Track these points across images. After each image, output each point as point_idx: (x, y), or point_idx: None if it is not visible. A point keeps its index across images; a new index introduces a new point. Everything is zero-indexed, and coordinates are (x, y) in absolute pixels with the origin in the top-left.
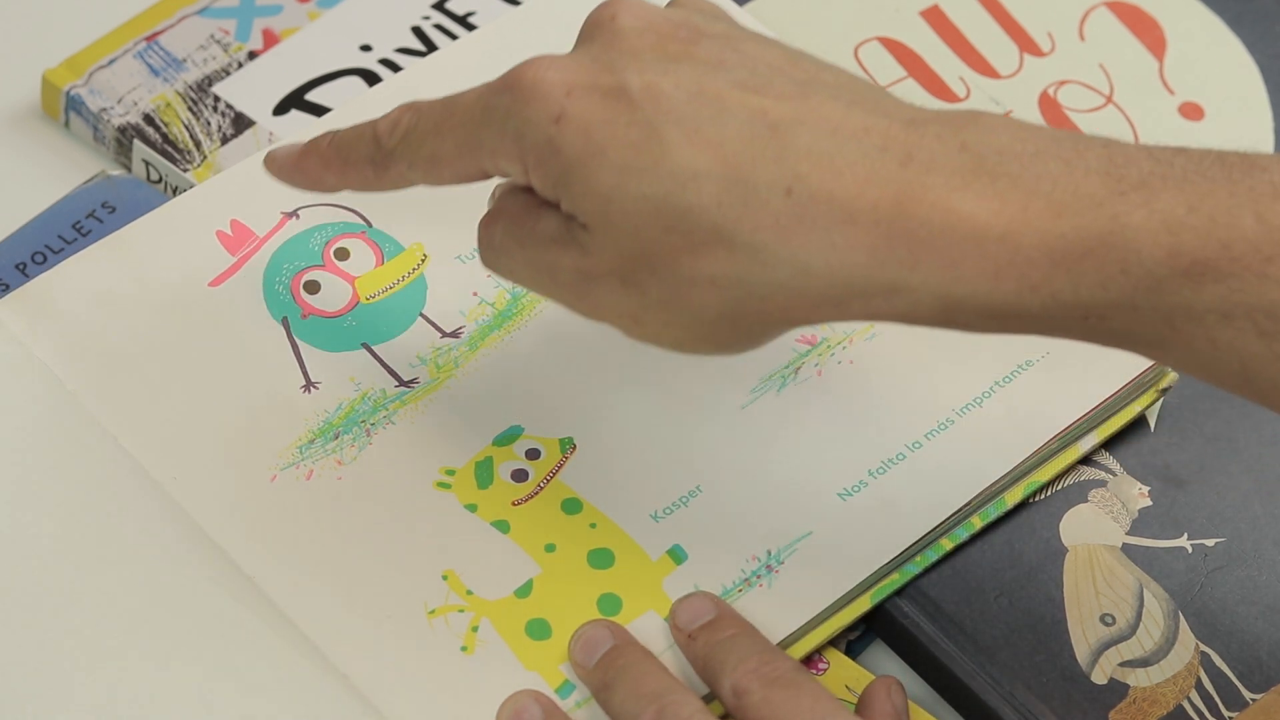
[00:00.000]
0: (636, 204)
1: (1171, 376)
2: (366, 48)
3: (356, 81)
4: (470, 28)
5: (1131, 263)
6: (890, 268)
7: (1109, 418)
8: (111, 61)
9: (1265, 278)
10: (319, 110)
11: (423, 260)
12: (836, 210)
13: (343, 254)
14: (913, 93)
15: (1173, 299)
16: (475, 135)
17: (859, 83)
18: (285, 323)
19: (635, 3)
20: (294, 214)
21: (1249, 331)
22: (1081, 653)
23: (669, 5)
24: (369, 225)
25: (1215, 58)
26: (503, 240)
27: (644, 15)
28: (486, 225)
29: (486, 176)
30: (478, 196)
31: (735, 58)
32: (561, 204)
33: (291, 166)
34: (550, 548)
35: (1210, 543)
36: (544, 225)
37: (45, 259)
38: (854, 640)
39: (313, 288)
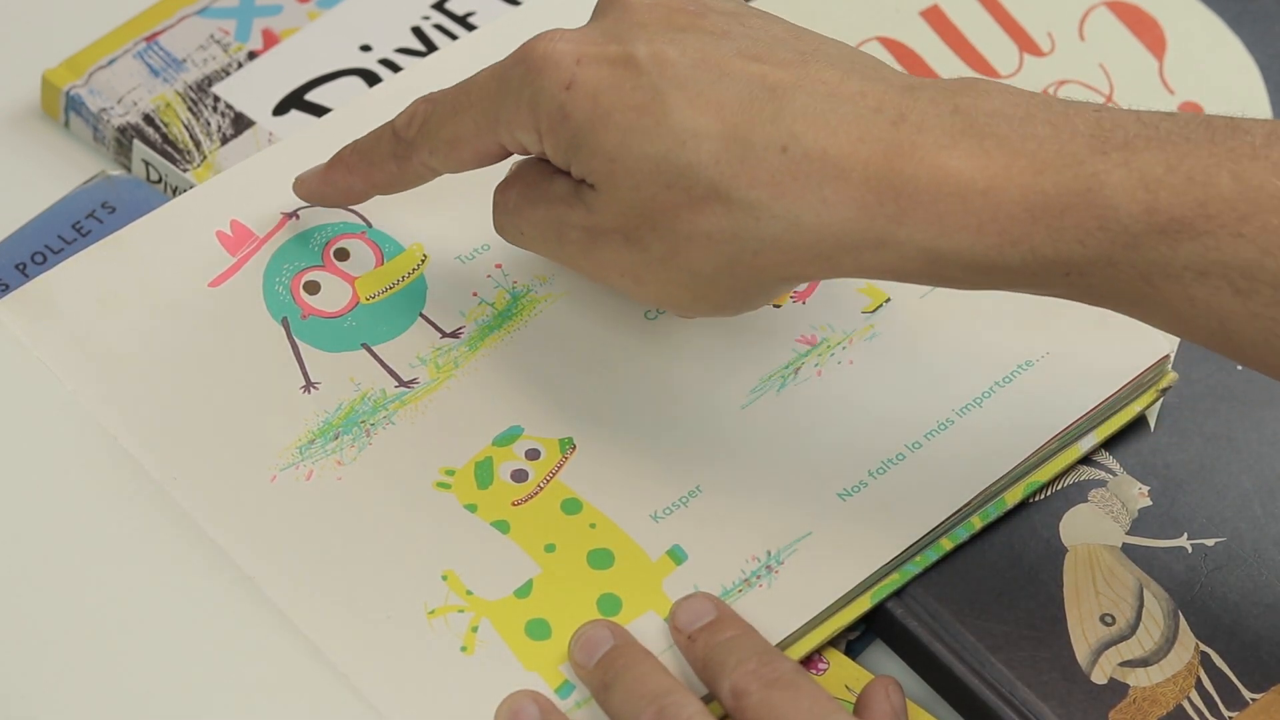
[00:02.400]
0: (639, 162)
1: (1171, 376)
2: (366, 48)
3: (356, 81)
4: (470, 28)
5: (1109, 219)
6: (878, 222)
7: (1109, 418)
8: (111, 61)
9: (1240, 236)
10: (319, 110)
11: (423, 260)
12: (829, 166)
13: (342, 254)
14: None
15: (1150, 256)
16: (492, 109)
17: (859, 54)
18: (285, 323)
19: None
20: (294, 214)
21: (1225, 290)
22: (1081, 653)
23: None
24: (369, 226)
25: (1215, 58)
26: (516, 202)
27: None
28: (502, 190)
29: (504, 155)
30: (477, 197)
31: (740, 30)
32: (572, 168)
33: (319, 181)
34: (550, 548)
35: (1210, 543)
36: (555, 188)
37: (45, 259)
38: (854, 640)
39: (313, 288)
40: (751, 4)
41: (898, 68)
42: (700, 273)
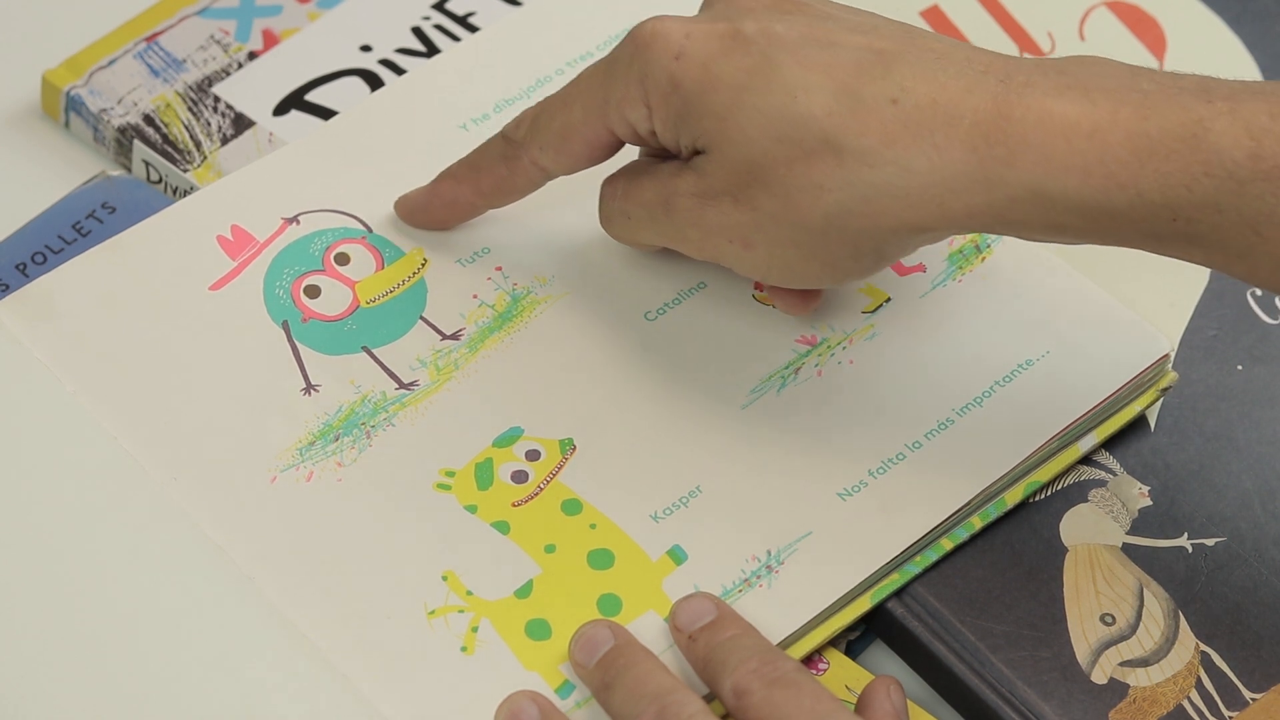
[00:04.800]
0: (750, 117)
1: (1171, 376)
2: (366, 48)
3: (356, 82)
4: (470, 28)
5: (1214, 164)
6: (988, 164)
7: (1109, 418)
8: (111, 62)
9: None
10: (319, 110)
11: (423, 265)
12: (939, 114)
13: (343, 259)
14: None
15: (1256, 204)
16: (601, 91)
17: (960, 40)
18: (285, 326)
19: None
20: (294, 219)
21: None
22: (1081, 652)
23: None
24: (369, 230)
25: (1215, 57)
26: (624, 187)
27: None
28: (609, 181)
29: (615, 145)
30: None
31: (843, 13)
32: (681, 137)
33: (426, 196)
34: (550, 548)
35: (1210, 543)
36: (664, 166)
37: (45, 259)
38: (854, 640)
39: (313, 292)
40: None
41: None
42: (812, 226)
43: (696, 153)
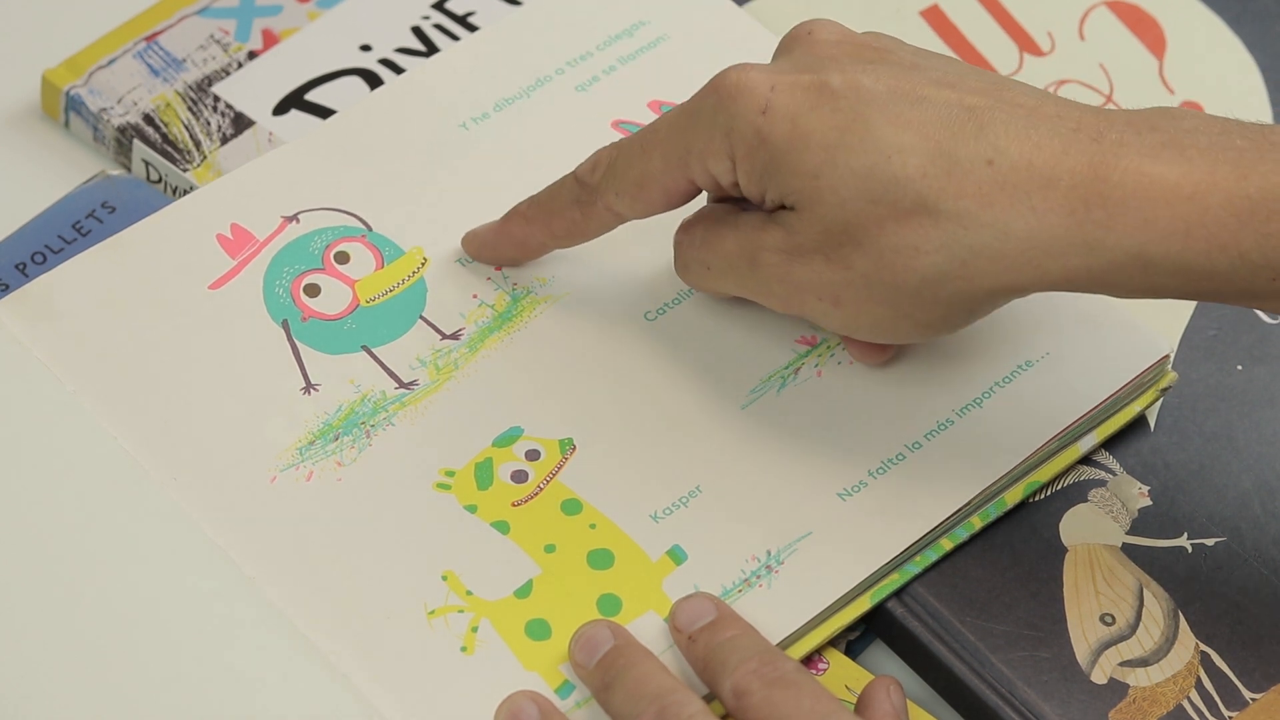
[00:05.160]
0: (843, 177)
1: (1171, 376)
2: (366, 48)
3: (356, 81)
4: (470, 28)
5: None
6: (1087, 227)
7: (1109, 418)
8: (111, 61)
9: None
10: (319, 110)
11: (423, 263)
12: (1036, 177)
13: (343, 257)
14: None
15: None
16: (682, 142)
17: (1045, 91)
18: (285, 325)
19: (829, 21)
20: (294, 218)
21: None
22: (1081, 653)
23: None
24: (369, 229)
25: (1215, 57)
26: (704, 236)
27: (839, 31)
28: (685, 229)
29: (693, 193)
30: (477, 199)
31: (928, 63)
32: (768, 193)
33: (495, 234)
34: (550, 548)
35: (1210, 543)
36: (745, 218)
37: (45, 259)
38: (854, 640)
39: (313, 291)
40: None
41: None
42: (905, 287)
43: (782, 207)
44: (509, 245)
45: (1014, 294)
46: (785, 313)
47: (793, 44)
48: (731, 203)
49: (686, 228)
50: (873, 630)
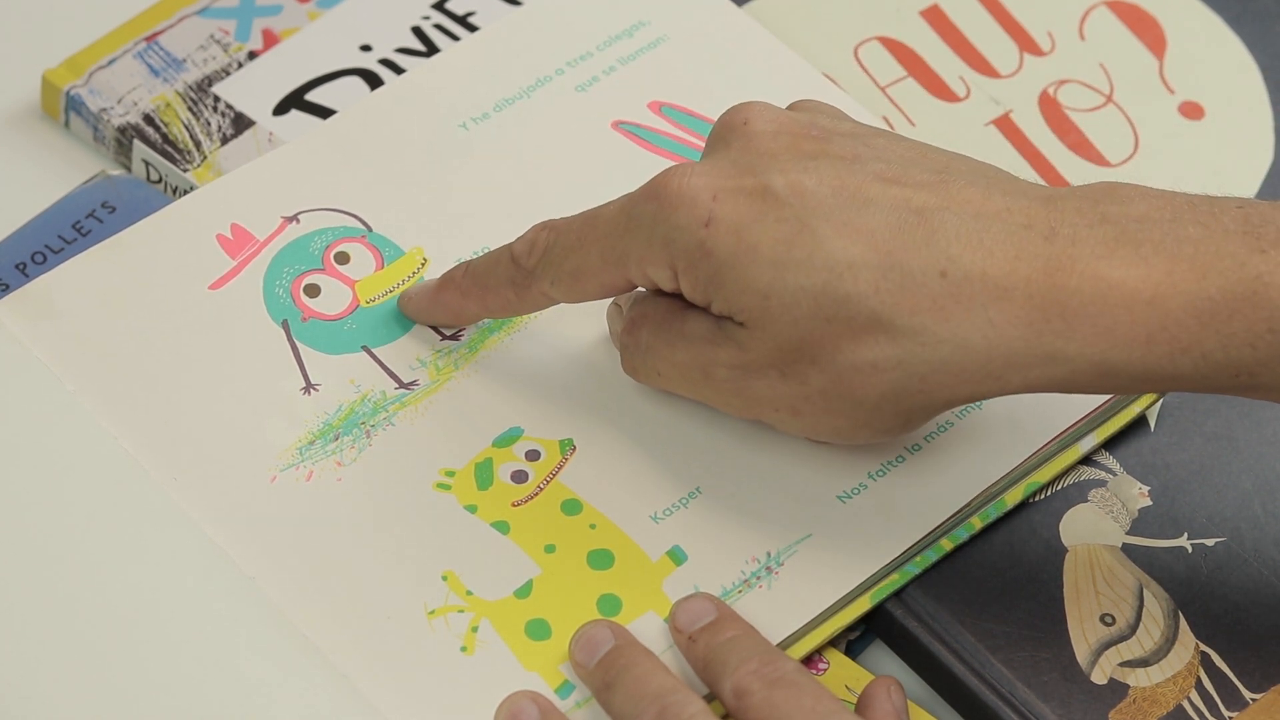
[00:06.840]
0: (795, 296)
1: None
2: (366, 48)
3: (356, 81)
4: (470, 28)
5: (1278, 320)
6: (1046, 338)
7: (1109, 418)
8: (111, 61)
9: None
10: (319, 110)
11: (423, 264)
12: (990, 287)
13: (343, 258)
14: (913, 93)
15: None
16: (620, 245)
17: (990, 167)
18: (285, 325)
19: (763, 106)
20: (294, 218)
21: None
22: (1081, 653)
23: (791, 107)
24: (369, 230)
25: (1215, 57)
26: (650, 342)
27: (775, 118)
28: (630, 331)
29: (630, 288)
30: (477, 199)
31: (869, 152)
32: (713, 305)
33: (430, 301)
34: (550, 548)
35: (1210, 543)
36: (693, 326)
37: (45, 259)
38: (854, 640)
39: (313, 291)
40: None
41: (898, 68)
42: (864, 402)
43: (730, 318)
44: (443, 313)
45: (974, 400)
46: (742, 418)
47: (729, 135)
48: (673, 298)
49: (631, 330)
50: (873, 630)
